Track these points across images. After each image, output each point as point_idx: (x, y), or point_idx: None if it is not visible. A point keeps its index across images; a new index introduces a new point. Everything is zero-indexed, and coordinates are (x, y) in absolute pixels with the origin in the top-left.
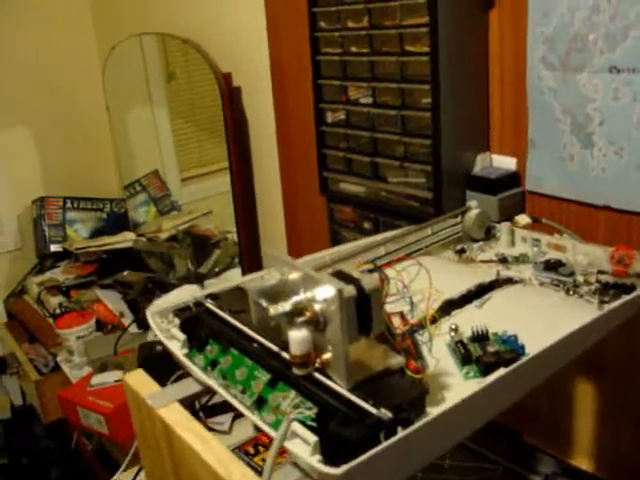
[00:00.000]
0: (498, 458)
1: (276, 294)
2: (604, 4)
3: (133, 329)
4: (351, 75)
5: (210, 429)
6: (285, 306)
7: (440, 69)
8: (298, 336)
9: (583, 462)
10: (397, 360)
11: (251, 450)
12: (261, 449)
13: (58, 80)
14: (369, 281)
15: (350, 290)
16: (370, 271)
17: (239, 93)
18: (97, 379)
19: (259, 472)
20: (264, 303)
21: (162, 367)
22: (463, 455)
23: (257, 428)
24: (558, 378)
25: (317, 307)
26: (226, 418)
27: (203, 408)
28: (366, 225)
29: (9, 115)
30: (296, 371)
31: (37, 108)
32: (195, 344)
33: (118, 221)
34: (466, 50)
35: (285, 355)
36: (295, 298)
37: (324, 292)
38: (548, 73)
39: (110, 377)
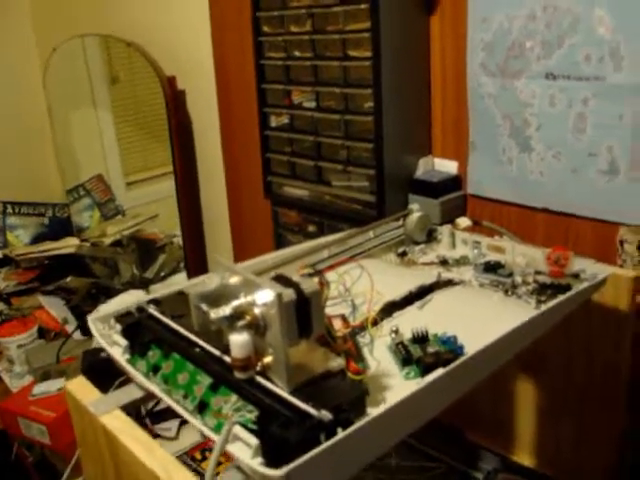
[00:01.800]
0: (442, 456)
1: (217, 298)
2: (539, 12)
3: (77, 336)
4: (295, 79)
5: (157, 435)
6: (225, 310)
7: (382, 74)
8: (239, 340)
9: (525, 458)
10: (337, 362)
11: (198, 456)
12: (208, 454)
13: None
14: (308, 285)
15: (289, 294)
16: (310, 275)
17: (183, 97)
18: (39, 388)
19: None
20: (205, 307)
21: (106, 374)
22: (410, 454)
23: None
24: (499, 376)
25: (257, 311)
26: (173, 424)
27: (149, 414)
28: (310, 228)
29: None
30: (237, 375)
31: None
32: (137, 350)
33: (61, 226)
34: (408, 55)
35: (226, 359)
36: (235, 302)
37: (264, 296)
38: (487, 79)
39: (53, 386)
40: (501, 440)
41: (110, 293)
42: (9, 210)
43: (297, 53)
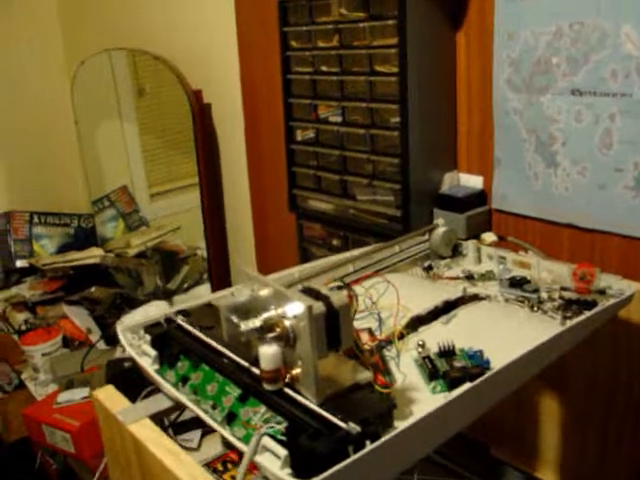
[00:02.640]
0: (466, 472)
1: (247, 310)
2: (566, 29)
3: (101, 345)
4: (321, 94)
5: (179, 446)
6: (256, 322)
7: (409, 89)
8: (268, 352)
9: (548, 475)
10: (365, 375)
11: (220, 467)
12: (230, 466)
13: (25, 94)
14: (338, 298)
15: (319, 306)
16: (338, 288)
17: (209, 110)
18: (63, 396)
19: None
20: (235, 319)
21: (130, 384)
22: (432, 469)
23: (226, 445)
24: (524, 392)
25: (287, 323)
26: (195, 435)
27: (172, 425)
28: (335, 242)
29: None
30: (266, 386)
31: (3, 122)
32: (166, 360)
33: (86, 237)
34: (434, 71)
35: (255, 370)
36: (266, 314)
37: (294, 308)
38: (513, 95)
39: (77, 394)
40: (525, 456)
41: (134, 304)
42: (35, 220)
43: (324, 68)
